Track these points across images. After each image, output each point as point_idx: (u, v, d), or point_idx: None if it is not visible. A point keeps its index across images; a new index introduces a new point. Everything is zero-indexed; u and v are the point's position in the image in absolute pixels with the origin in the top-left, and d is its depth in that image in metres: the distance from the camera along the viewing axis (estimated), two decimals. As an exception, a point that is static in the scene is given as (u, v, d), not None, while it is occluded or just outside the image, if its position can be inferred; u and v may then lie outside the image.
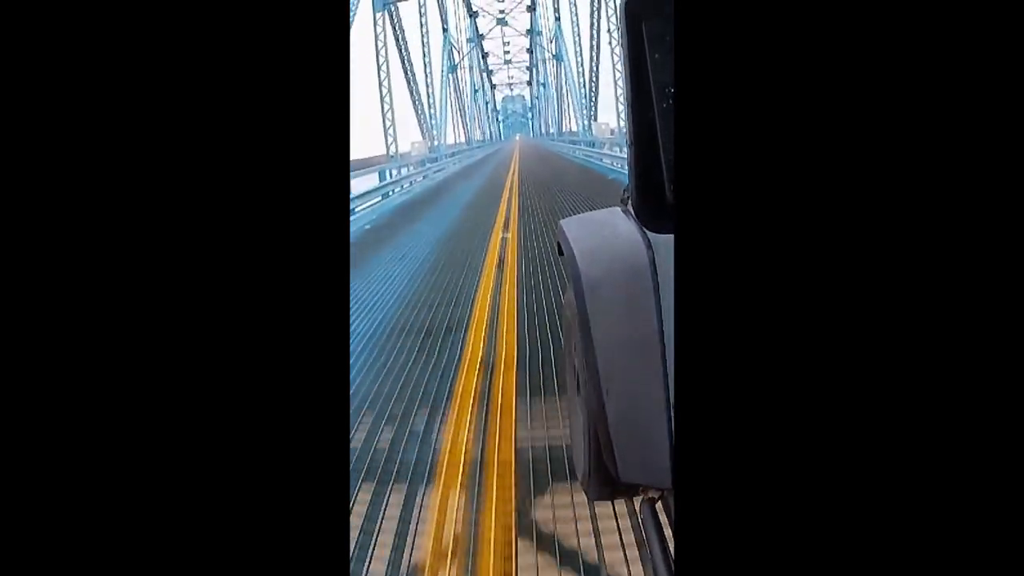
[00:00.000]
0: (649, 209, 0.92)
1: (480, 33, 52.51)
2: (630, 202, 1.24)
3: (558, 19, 34.12)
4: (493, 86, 78.70)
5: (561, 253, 1.56)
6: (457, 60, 36.32)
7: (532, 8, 47.02)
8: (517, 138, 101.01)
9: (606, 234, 1.37)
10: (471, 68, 46.08)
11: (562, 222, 1.59)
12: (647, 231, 1.21)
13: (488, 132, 67.77)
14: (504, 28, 54.78)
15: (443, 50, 33.11)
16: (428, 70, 26.37)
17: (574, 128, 35.31)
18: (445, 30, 34.06)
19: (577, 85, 27.91)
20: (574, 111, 29.92)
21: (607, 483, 1.42)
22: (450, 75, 34.96)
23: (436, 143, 26.37)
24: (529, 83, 78.84)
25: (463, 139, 40.33)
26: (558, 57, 35.33)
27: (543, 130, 59.76)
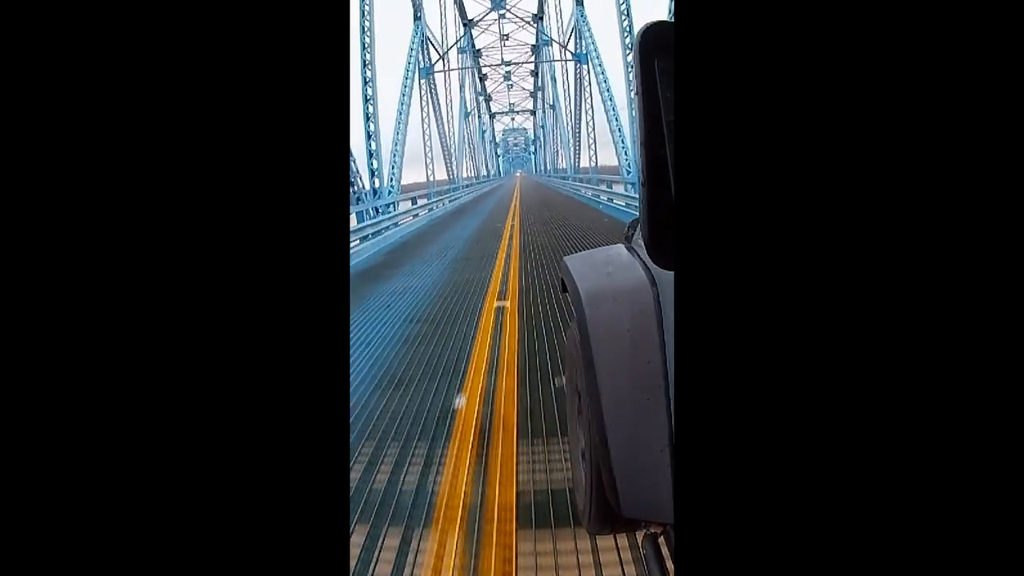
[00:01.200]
0: (660, 246, 0.93)
1: (476, 48, 42.51)
2: (635, 238, 1.35)
3: (580, 3, 23.30)
4: (492, 114, 68.54)
5: (564, 290, 1.59)
6: (436, 60, 25.37)
7: (539, 16, 36.87)
8: (518, 175, 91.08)
9: (610, 271, 1.38)
10: (462, 85, 35.66)
11: (566, 259, 1.60)
12: (653, 267, 1.24)
13: (485, 167, 57.29)
14: (505, 41, 44.67)
15: (413, 44, 22.20)
16: (366, 52, 15.24)
17: (606, 163, 24.31)
18: (418, 18, 23.24)
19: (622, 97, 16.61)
20: (612, 135, 18.59)
21: (609, 518, 1.42)
22: (422, 81, 24.05)
23: (384, 184, 15.07)
24: (533, 112, 68.85)
25: (444, 176, 29.10)
26: (580, 58, 24.32)
27: (550, 166, 49.02)
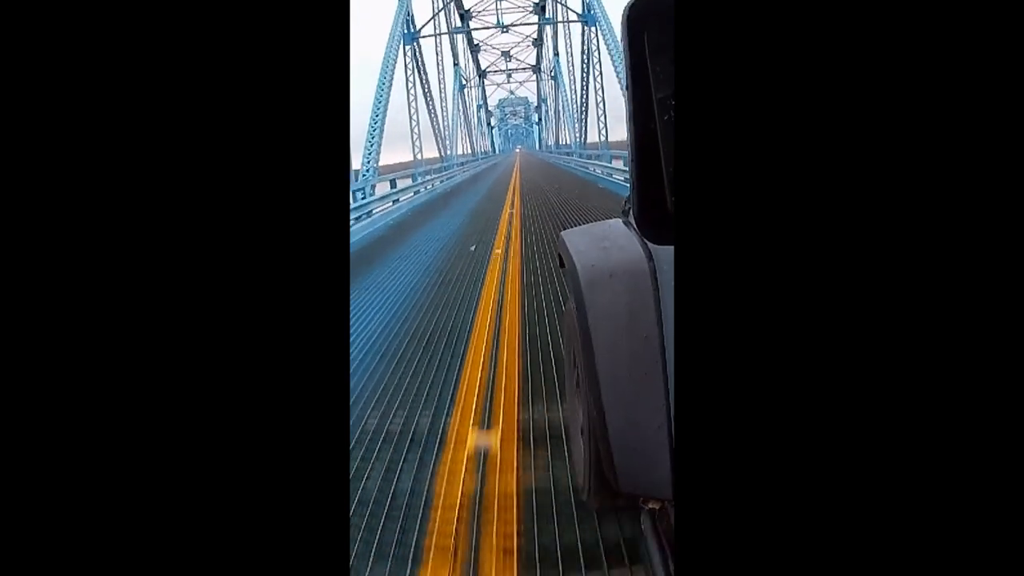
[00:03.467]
0: (650, 220, 0.94)
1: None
2: (631, 213, 1.38)
3: None
4: (482, 72, 50.79)
5: (562, 265, 1.61)
6: None
7: None
8: (517, 152, 73.36)
9: (607, 246, 1.36)
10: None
11: (563, 233, 1.60)
12: (648, 242, 1.26)
13: (470, 142, 39.76)
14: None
15: None
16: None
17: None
18: None
19: None
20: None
21: (607, 494, 1.44)
22: None
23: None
24: (536, 67, 51.09)
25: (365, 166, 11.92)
26: None
27: (570, 139, 31.03)
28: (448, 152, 26.59)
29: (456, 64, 31.58)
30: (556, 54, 31.76)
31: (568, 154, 27.89)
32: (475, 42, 42.70)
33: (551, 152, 41.54)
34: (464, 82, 34.00)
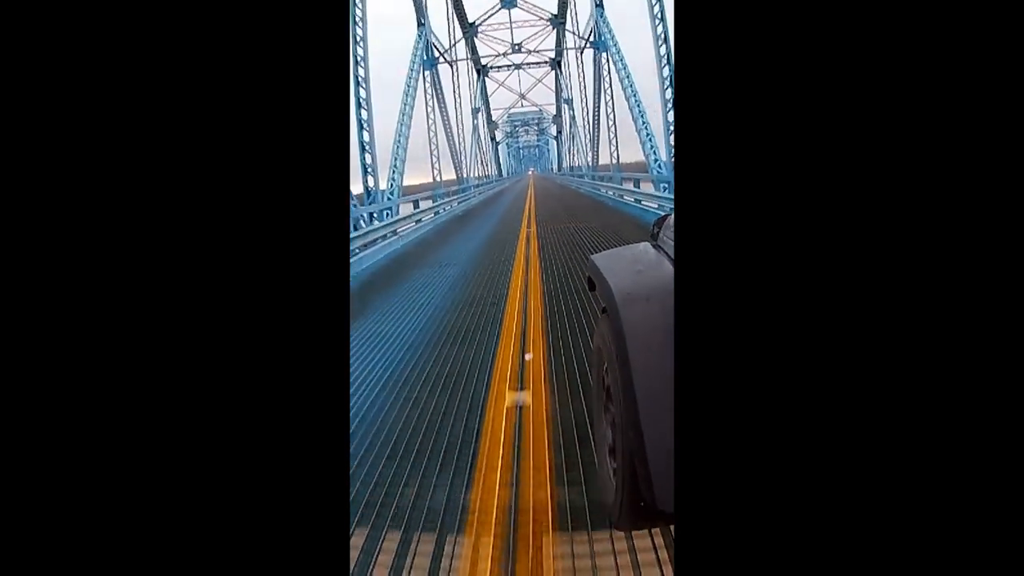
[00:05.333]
0: None
1: None
2: (661, 236, 1.42)
3: None
4: (483, 68, 37.18)
5: (591, 288, 1.63)
6: None
7: None
8: (530, 174, 59.53)
9: (641, 269, 1.41)
10: None
11: (593, 257, 1.64)
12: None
13: (459, 163, 25.88)
14: None
15: None
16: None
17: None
18: None
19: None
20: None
21: (640, 514, 1.46)
22: None
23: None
24: (555, 60, 37.41)
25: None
26: None
27: (602, 159, 16.92)
28: (393, 182, 12.50)
29: (422, 24, 17.61)
30: (598, 3, 17.60)
31: (631, 181, 13.61)
32: (472, 21, 29.24)
33: (582, 176, 27.39)
34: (438, 56, 20.06)
